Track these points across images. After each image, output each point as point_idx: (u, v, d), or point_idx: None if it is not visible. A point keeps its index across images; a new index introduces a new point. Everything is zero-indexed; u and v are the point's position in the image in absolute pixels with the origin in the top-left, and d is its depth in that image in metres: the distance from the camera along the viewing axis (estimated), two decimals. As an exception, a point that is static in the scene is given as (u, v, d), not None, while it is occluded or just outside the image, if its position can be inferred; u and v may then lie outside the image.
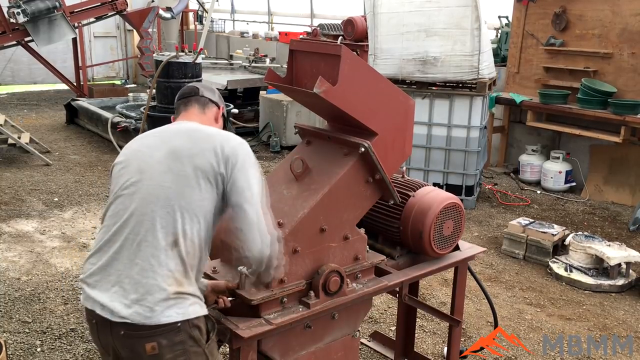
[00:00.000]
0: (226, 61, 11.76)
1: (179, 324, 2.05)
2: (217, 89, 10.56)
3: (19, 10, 9.68)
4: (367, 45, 7.01)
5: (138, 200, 2.12)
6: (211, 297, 2.44)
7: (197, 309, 2.11)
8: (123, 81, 15.19)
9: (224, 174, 2.15)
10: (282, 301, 2.42)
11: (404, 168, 3.19)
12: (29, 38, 10.38)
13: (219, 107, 2.45)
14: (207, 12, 13.80)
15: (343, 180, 2.52)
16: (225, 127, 2.48)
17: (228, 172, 2.15)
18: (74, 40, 11.66)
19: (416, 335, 3.77)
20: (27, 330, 3.97)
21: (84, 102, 10.16)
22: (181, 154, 2.16)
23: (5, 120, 8.67)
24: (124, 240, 2.09)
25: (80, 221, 5.95)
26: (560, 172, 7.32)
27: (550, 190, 7.35)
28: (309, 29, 12.07)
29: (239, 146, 2.20)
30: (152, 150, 2.23)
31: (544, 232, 5.34)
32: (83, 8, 11.04)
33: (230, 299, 2.47)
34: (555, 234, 5.33)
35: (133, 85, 14.78)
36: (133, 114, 8.88)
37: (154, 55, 9.27)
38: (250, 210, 2.13)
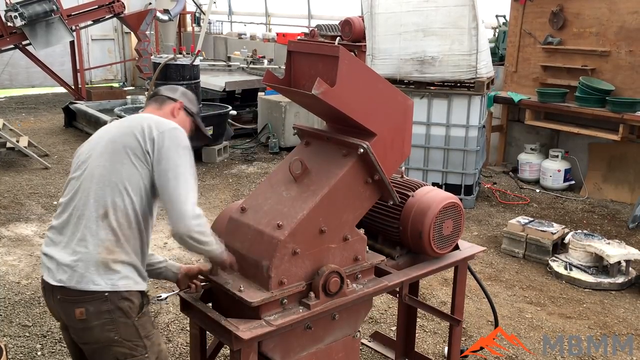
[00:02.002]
0: (224, 63, 11.77)
1: (106, 294, 2.19)
2: (216, 90, 10.48)
3: (16, 13, 9.67)
4: (365, 45, 7.02)
5: (82, 180, 2.32)
6: (184, 282, 2.58)
7: (128, 283, 2.24)
8: (121, 84, 15.19)
9: (149, 152, 2.27)
10: (282, 302, 2.42)
11: (403, 168, 3.19)
12: (27, 41, 10.37)
13: (176, 102, 2.56)
14: (204, 13, 13.81)
15: (342, 181, 2.52)
16: (194, 122, 2.61)
17: (154, 152, 2.27)
18: (72, 43, 11.67)
19: (417, 335, 3.77)
20: (27, 334, 3.97)
21: (82, 105, 10.16)
22: (116, 135, 2.35)
23: (4, 124, 8.67)
24: (69, 216, 2.30)
25: (79, 224, 5.94)
26: (559, 171, 7.32)
27: (549, 188, 7.36)
28: (306, 30, 12.08)
29: (168, 130, 2.31)
30: (101, 137, 2.42)
31: (544, 231, 5.34)
32: (80, 11, 11.05)
33: (203, 283, 2.56)
34: (555, 233, 5.33)
35: (131, 88, 14.77)
36: (131, 117, 8.86)
37: (151, 57, 9.28)
38: (173, 189, 2.23)
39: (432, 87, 6.58)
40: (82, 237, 2.22)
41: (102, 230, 2.22)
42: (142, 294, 2.32)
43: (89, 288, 2.18)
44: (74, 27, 10.97)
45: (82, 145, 2.48)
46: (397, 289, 2.98)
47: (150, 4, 12.85)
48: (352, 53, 6.90)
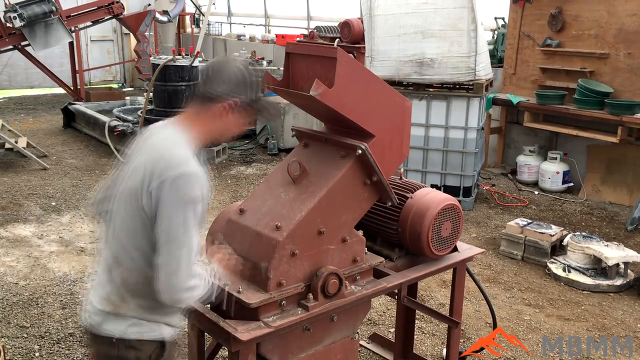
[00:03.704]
0: (223, 64, 11.74)
1: (113, 340, 2.14)
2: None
3: (15, 14, 9.66)
4: (364, 47, 7.02)
5: (110, 215, 2.19)
6: None
7: (141, 330, 2.14)
8: (120, 85, 15.18)
9: (145, 207, 2.00)
10: (280, 304, 2.42)
11: (402, 169, 3.20)
12: (26, 42, 10.37)
13: (226, 99, 2.11)
14: (203, 15, 13.80)
15: (340, 182, 2.52)
16: (255, 108, 2.21)
17: (150, 206, 1.99)
18: (71, 44, 11.66)
19: (415, 336, 3.77)
20: (25, 335, 3.96)
21: (81, 106, 10.15)
22: (132, 171, 2.08)
23: (3, 125, 8.67)
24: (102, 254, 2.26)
25: (77, 225, 5.94)
26: (557, 173, 7.33)
27: (547, 190, 7.36)
28: (305, 32, 12.08)
29: (170, 180, 1.95)
30: (133, 156, 2.15)
31: (542, 233, 5.35)
32: (80, 12, 11.04)
33: None
34: (553, 235, 5.33)
35: (130, 89, 14.77)
36: (130, 118, 8.88)
37: (151, 58, 9.28)
38: (164, 256, 1.97)
39: (431, 89, 6.59)
40: (101, 283, 2.20)
41: (108, 284, 2.15)
42: (162, 343, 2.16)
43: (99, 332, 2.15)
44: (73, 28, 10.96)
45: (127, 156, 2.19)
46: (396, 291, 2.98)
47: (149, 5, 12.85)
48: (351, 55, 6.89)
